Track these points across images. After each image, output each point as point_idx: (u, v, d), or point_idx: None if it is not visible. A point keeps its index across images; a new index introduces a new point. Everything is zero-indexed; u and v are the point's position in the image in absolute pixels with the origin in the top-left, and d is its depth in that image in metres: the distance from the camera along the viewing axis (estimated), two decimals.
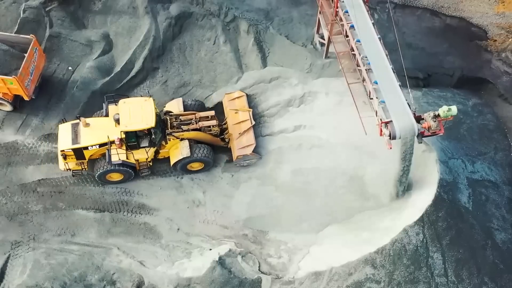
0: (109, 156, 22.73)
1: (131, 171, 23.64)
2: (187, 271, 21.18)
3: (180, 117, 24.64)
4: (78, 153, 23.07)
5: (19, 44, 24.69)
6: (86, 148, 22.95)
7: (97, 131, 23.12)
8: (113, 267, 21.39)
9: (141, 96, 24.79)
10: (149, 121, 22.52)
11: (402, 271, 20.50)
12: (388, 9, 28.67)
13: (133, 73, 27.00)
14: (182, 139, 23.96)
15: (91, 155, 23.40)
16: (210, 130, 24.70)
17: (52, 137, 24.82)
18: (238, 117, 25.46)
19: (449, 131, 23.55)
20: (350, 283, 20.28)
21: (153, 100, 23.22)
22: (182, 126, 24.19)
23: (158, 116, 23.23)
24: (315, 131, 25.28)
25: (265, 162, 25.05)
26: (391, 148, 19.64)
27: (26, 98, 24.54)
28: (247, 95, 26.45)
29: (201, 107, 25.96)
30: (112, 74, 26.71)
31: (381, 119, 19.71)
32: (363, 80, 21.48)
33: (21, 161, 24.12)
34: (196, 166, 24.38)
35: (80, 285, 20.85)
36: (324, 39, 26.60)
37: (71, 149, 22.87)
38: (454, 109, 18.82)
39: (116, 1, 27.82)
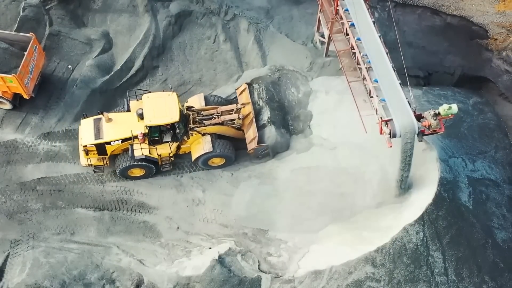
0: (132, 151, 22.69)
1: (153, 167, 23.61)
2: (187, 269, 21.17)
3: (202, 112, 24.51)
4: (101, 148, 23.06)
5: (19, 42, 24.64)
6: (109, 143, 22.95)
7: (119, 126, 23.11)
8: (112, 265, 21.36)
9: (164, 91, 24.62)
10: (173, 116, 22.58)
11: (402, 269, 20.45)
12: (388, 8, 28.61)
13: (133, 71, 26.97)
14: (204, 134, 23.94)
15: (113, 151, 23.39)
16: (233, 124, 24.54)
17: (51, 135, 24.80)
18: (245, 111, 25.24)
19: (449, 129, 23.50)
20: (350, 282, 20.24)
21: (177, 95, 23.23)
22: (204, 121, 24.11)
23: (181, 110, 23.23)
24: (315, 129, 25.25)
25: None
26: (391, 146, 19.62)
27: (25, 97, 24.51)
28: (249, 84, 25.96)
29: (222, 102, 25.77)
30: (112, 73, 26.67)
31: (381, 118, 19.70)
32: (364, 78, 21.43)
33: (20, 159, 24.09)
34: (217, 161, 24.31)
35: (79, 284, 20.83)
36: (324, 38, 26.58)
37: (94, 144, 22.85)
38: (454, 107, 18.81)
39: (116, 0, 27.78)
